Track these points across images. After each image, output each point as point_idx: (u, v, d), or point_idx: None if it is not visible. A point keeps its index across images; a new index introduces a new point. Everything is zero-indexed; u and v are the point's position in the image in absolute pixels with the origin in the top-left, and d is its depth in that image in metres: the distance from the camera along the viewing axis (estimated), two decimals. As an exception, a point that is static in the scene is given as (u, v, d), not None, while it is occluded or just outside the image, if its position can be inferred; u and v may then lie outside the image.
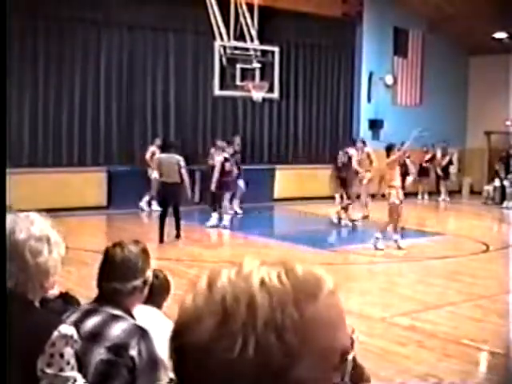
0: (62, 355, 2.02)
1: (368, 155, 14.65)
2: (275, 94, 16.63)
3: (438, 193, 19.49)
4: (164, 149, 11.36)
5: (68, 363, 2.04)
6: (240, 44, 15.77)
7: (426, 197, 19.56)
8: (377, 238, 11.27)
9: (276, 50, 16.61)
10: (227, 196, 13.57)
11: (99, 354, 2.53)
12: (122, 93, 15.93)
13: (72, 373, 2.06)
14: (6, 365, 1.94)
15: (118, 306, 2.67)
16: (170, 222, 11.52)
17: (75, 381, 2.07)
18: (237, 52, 15.64)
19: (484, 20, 17.92)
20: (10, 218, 2.12)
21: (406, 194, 12.71)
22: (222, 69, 15.56)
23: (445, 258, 10.81)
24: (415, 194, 19.06)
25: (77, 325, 2.46)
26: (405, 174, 14.37)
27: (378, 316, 7.43)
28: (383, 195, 11.97)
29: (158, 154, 12.81)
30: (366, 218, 14.44)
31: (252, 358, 0.82)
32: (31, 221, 2.13)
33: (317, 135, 19.29)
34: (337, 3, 18.36)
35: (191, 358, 0.86)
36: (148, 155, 15.05)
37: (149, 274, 2.81)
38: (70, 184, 14.61)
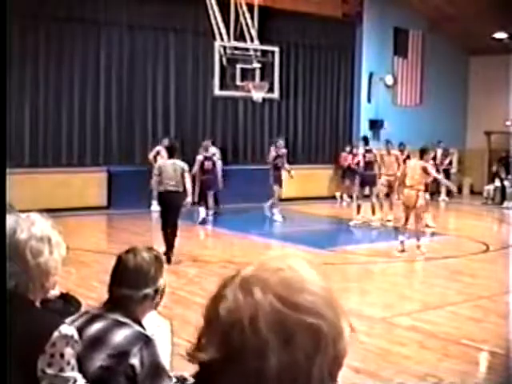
0: (62, 355, 2.02)
1: (396, 158, 14.25)
2: (275, 94, 16.65)
3: (438, 193, 19.48)
4: (170, 154, 10.57)
5: (68, 363, 2.04)
6: (240, 44, 15.80)
7: (427, 197, 19.50)
8: (401, 242, 11.10)
9: (276, 50, 16.62)
10: (210, 194, 14.22)
11: (100, 360, 2.50)
12: (122, 93, 15.93)
13: (72, 373, 2.06)
14: (7, 365, 1.95)
15: (126, 313, 2.63)
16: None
17: (75, 381, 2.07)
18: (237, 52, 15.66)
19: (484, 20, 17.92)
20: (11, 219, 2.13)
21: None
22: (222, 69, 15.58)
23: (445, 258, 10.81)
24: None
25: (81, 330, 2.45)
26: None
27: (378, 316, 7.43)
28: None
29: (161, 159, 12.31)
30: (388, 220, 14.21)
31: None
32: (32, 221, 2.13)
33: (317, 135, 19.28)
34: (337, 3, 18.37)
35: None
36: (152, 155, 14.97)
37: (161, 282, 2.76)
38: (70, 184, 14.62)
